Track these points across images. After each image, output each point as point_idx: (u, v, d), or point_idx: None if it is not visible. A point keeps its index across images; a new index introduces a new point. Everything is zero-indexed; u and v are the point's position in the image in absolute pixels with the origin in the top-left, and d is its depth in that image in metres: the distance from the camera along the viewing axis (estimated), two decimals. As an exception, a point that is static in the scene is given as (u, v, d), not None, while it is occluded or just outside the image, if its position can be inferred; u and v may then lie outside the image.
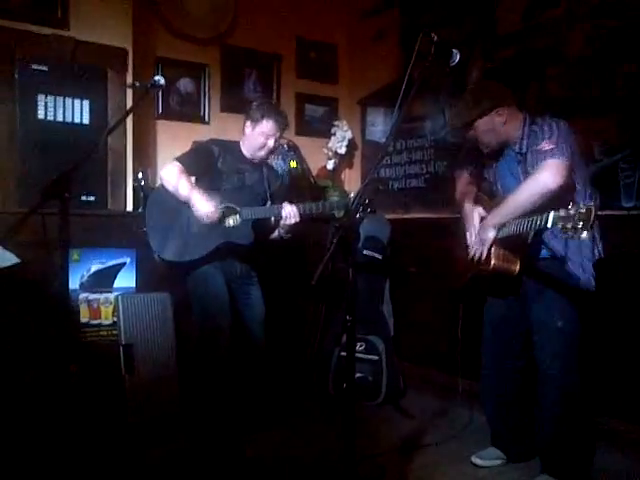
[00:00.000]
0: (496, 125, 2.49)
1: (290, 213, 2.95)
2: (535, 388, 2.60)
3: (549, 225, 2.07)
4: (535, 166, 2.38)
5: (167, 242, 2.97)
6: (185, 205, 2.95)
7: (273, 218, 3.04)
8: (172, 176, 2.96)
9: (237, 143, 3.16)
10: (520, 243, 2.41)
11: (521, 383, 2.70)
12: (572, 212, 1.95)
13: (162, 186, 3.06)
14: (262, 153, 3.08)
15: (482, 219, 2.59)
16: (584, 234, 1.93)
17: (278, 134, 3.06)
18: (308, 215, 3.00)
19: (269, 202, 3.12)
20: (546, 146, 2.34)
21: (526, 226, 2.26)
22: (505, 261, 2.48)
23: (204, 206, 2.90)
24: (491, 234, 2.46)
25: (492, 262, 2.48)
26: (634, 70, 2.91)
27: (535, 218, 2.17)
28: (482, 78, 3.65)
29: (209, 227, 2.94)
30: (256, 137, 3.04)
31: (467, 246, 2.64)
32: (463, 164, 2.85)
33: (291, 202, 2.99)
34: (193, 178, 3.05)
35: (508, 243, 2.44)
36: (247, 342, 3.08)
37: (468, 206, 2.68)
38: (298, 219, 2.95)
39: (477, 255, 2.54)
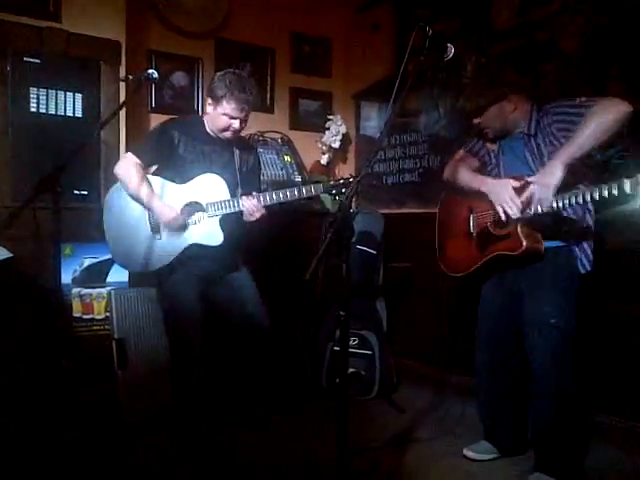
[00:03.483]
0: (505, 111, 2.47)
1: (251, 208, 2.71)
2: (528, 383, 2.58)
3: (628, 191, 1.98)
4: (576, 123, 2.26)
5: (131, 252, 2.81)
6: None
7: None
8: (131, 177, 2.74)
9: (200, 119, 2.88)
10: (547, 220, 2.34)
11: (515, 379, 2.69)
12: None
13: (119, 187, 2.86)
14: (227, 134, 2.80)
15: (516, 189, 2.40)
16: None
17: (244, 114, 2.74)
18: (274, 205, 2.75)
19: (239, 188, 2.85)
20: (577, 105, 2.30)
21: (592, 195, 2.11)
22: (534, 241, 2.39)
23: (166, 213, 2.73)
24: (559, 173, 2.21)
25: (524, 244, 2.36)
26: (628, 66, 2.91)
27: (605, 186, 2.06)
28: (477, 73, 3.64)
29: (174, 229, 2.78)
30: (219, 118, 2.75)
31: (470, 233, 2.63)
32: (468, 142, 2.77)
33: (249, 194, 2.75)
34: (154, 167, 2.89)
35: (536, 222, 2.36)
36: (249, 327, 2.91)
37: (490, 180, 2.52)
38: (263, 211, 2.72)
39: (535, 207, 2.30)
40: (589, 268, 2.43)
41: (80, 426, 2.64)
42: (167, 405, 3.02)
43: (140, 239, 2.81)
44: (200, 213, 2.78)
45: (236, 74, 2.77)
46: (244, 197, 2.74)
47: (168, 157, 2.83)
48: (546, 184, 2.25)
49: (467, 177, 2.65)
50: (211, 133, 2.86)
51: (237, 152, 2.90)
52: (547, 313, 2.41)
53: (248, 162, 2.96)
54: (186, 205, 2.79)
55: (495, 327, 2.69)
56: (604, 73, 3.01)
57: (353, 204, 2.02)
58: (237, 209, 2.74)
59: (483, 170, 2.67)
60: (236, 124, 2.75)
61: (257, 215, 2.72)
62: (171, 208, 2.76)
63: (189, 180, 2.81)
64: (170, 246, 2.79)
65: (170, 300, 2.84)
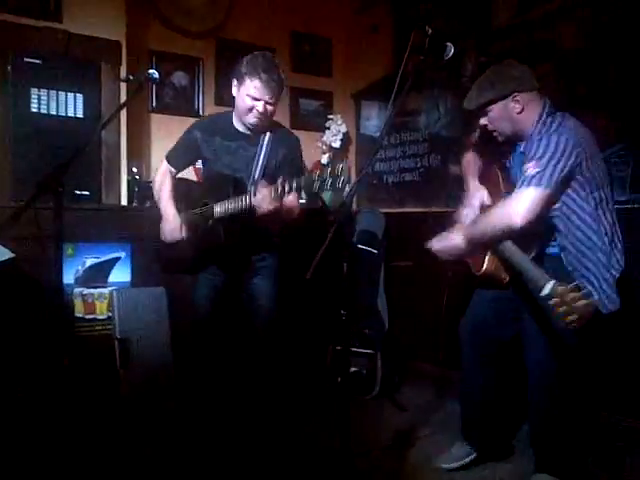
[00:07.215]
0: (510, 113, 2.26)
1: (261, 199, 2.38)
2: (509, 380, 2.55)
3: (543, 294, 1.82)
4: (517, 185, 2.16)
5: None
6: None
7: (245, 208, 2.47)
8: (158, 191, 2.80)
9: (228, 114, 2.71)
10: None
11: (500, 372, 2.60)
12: (571, 296, 1.72)
13: None
14: (251, 119, 2.56)
15: (482, 207, 2.44)
16: (571, 326, 1.73)
17: (268, 97, 2.50)
18: (282, 193, 2.32)
19: (252, 187, 2.57)
20: (531, 168, 2.09)
21: (521, 269, 2.05)
22: (497, 269, 2.33)
23: (167, 223, 2.72)
24: (461, 246, 2.29)
25: (484, 267, 2.33)
26: (627, 64, 2.91)
27: (533, 273, 1.96)
28: (477, 72, 3.64)
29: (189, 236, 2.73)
30: (242, 99, 2.54)
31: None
32: (478, 143, 2.60)
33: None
34: (191, 168, 2.97)
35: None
36: (251, 333, 2.86)
37: (473, 184, 2.52)
38: (275, 204, 2.38)
39: (438, 254, 2.39)
40: (611, 308, 2.14)
41: (82, 425, 2.64)
42: (169, 403, 3.04)
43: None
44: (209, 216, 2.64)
45: (264, 56, 2.59)
46: (259, 187, 2.44)
47: (197, 158, 2.83)
48: (445, 245, 2.36)
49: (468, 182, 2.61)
50: (239, 127, 2.67)
51: (266, 147, 2.65)
52: (550, 323, 2.24)
53: (277, 156, 2.67)
54: (199, 208, 2.72)
55: (484, 317, 2.57)
56: (603, 73, 3.01)
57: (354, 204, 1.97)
58: (244, 206, 2.46)
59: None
60: (260, 106, 2.51)
61: (268, 207, 2.38)
62: (174, 221, 2.71)
63: (208, 180, 2.80)
64: (188, 255, 2.78)
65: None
